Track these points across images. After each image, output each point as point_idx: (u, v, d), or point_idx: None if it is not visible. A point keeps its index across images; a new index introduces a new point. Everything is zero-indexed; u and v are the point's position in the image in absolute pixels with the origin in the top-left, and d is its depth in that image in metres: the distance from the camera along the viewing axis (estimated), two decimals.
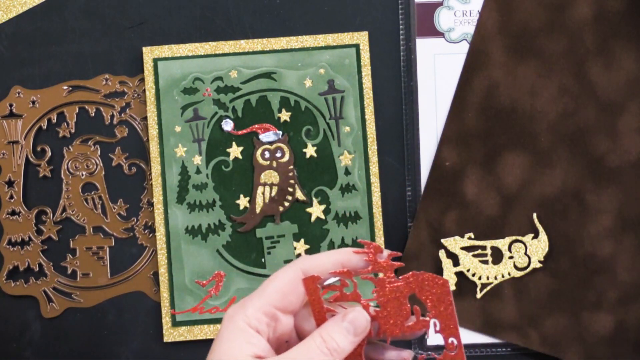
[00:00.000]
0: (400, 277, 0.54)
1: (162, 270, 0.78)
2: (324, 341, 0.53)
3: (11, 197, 0.79)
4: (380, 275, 0.55)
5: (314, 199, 0.79)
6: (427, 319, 0.55)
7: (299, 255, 0.79)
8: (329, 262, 0.55)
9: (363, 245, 0.54)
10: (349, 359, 0.55)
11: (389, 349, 0.57)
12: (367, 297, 0.55)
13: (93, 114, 0.80)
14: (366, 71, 0.79)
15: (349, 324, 0.53)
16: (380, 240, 0.78)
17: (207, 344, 0.79)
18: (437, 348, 0.78)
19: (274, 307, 0.54)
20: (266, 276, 0.78)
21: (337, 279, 0.55)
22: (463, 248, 0.78)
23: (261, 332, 0.53)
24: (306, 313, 0.56)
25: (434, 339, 0.78)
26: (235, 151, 0.79)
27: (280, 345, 0.55)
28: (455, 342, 0.55)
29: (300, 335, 0.56)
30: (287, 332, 0.55)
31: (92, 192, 0.80)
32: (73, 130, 0.80)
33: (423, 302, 0.54)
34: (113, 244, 0.80)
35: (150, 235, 0.79)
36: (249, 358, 0.52)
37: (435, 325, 0.54)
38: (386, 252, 0.55)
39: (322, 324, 0.54)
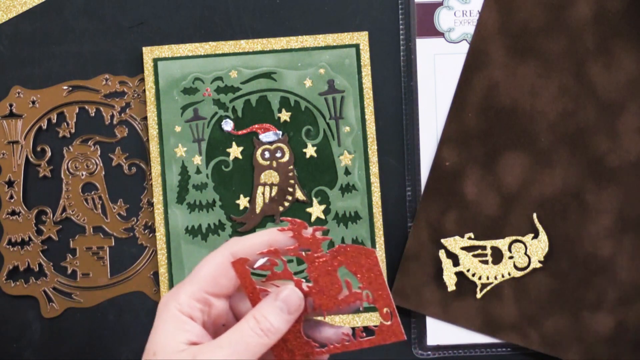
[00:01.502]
0: (327, 251, 0.54)
1: (162, 270, 0.78)
2: (258, 322, 0.52)
3: (11, 197, 0.79)
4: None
5: (314, 199, 0.79)
6: (359, 291, 0.54)
7: None
8: (258, 243, 0.54)
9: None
10: (289, 338, 0.55)
11: (328, 327, 0.56)
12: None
13: (93, 114, 0.80)
14: (366, 71, 0.79)
15: (282, 303, 0.53)
16: (380, 240, 0.78)
17: None
18: (437, 348, 0.78)
19: (205, 293, 0.53)
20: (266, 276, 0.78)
21: (266, 259, 0.55)
22: (463, 248, 0.78)
23: (195, 318, 0.53)
24: (241, 295, 0.56)
25: (433, 338, 0.78)
26: (235, 151, 0.79)
27: (218, 329, 0.55)
28: (390, 311, 0.54)
29: (237, 317, 0.56)
30: (223, 315, 0.55)
31: (92, 192, 0.80)
32: (73, 130, 0.80)
33: (354, 274, 0.54)
34: (113, 244, 0.80)
35: (150, 235, 0.79)
36: (183, 345, 0.52)
37: (368, 297, 0.54)
38: (311, 229, 0.54)
39: (257, 305, 0.54)
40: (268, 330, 0.52)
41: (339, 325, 0.56)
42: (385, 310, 0.54)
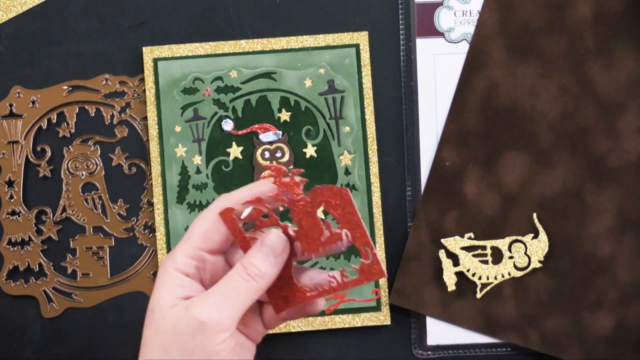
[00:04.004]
0: (306, 194, 0.55)
1: None
2: (245, 268, 0.54)
3: (11, 197, 0.79)
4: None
5: None
6: (339, 231, 0.55)
7: None
8: (244, 195, 0.56)
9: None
10: (281, 284, 0.56)
11: (316, 272, 0.58)
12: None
13: (93, 114, 0.80)
14: (366, 71, 0.79)
15: (267, 247, 0.55)
16: (380, 240, 0.78)
17: None
18: (437, 348, 0.78)
19: (199, 249, 0.56)
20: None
21: (251, 208, 0.56)
22: (463, 248, 0.78)
23: (190, 275, 0.55)
24: (236, 249, 0.57)
25: (433, 338, 0.78)
26: (235, 151, 0.79)
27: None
28: (369, 249, 0.55)
29: None
30: (220, 271, 0.57)
31: (92, 192, 0.80)
32: (73, 130, 0.80)
33: (332, 214, 0.55)
34: (113, 244, 0.80)
35: (150, 235, 0.79)
36: (178, 300, 0.54)
37: (347, 235, 0.55)
38: (290, 174, 0.55)
39: (246, 253, 0.55)
40: (256, 275, 0.54)
41: (328, 271, 0.57)
42: (364, 248, 0.55)
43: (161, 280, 0.55)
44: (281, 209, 0.57)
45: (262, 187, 0.56)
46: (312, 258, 0.56)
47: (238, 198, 0.56)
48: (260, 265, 0.54)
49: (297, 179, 0.55)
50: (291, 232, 0.56)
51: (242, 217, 0.56)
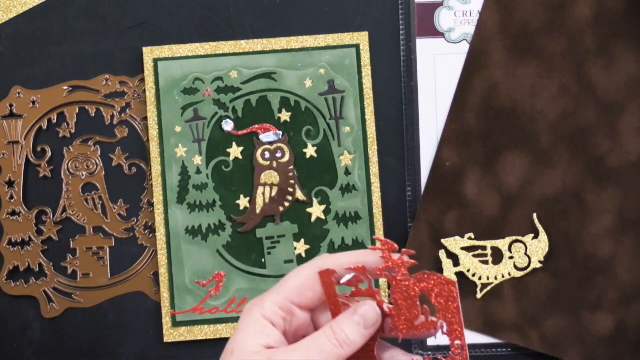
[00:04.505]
0: (412, 276, 0.55)
1: (162, 270, 0.78)
2: (334, 332, 0.54)
3: (11, 197, 0.79)
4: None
5: (314, 199, 0.79)
6: (435, 319, 0.55)
7: (299, 255, 0.79)
8: (347, 260, 0.56)
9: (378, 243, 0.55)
10: (361, 355, 0.55)
11: (400, 352, 0.57)
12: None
13: (93, 114, 0.80)
14: (366, 71, 0.79)
15: (359, 317, 0.54)
16: None
17: (207, 343, 0.79)
18: (437, 348, 0.78)
19: (290, 302, 0.55)
20: (266, 276, 0.78)
21: (352, 274, 0.55)
22: (463, 248, 0.78)
23: (276, 324, 0.55)
24: (324, 310, 0.57)
25: (433, 339, 0.78)
26: (235, 151, 0.79)
27: (297, 339, 0.56)
28: (461, 344, 0.55)
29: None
30: (304, 326, 0.56)
31: (92, 192, 0.80)
32: (73, 130, 0.80)
33: (432, 302, 0.55)
34: (113, 244, 0.80)
35: (150, 235, 0.79)
36: (260, 347, 0.53)
37: (442, 326, 0.55)
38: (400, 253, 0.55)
39: (336, 317, 0.55)
40: (343, 342, 0.54)
41: (410, 353, 0.57)
42: (456, 342, 0.55)
43: (246, 324, 0.55)
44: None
45: (367, 256, 0.56)
46: (399, 338, 0.56)
47: (340, 262, 0.56)
48: (349, 333, 0.54)
49: (406, 258, 0.55)
50: (385, 308, 0.55)
51: (342, 281, 0.56)
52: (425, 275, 0.54)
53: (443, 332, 0.55)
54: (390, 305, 0.55)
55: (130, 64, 0.80)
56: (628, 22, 0.78)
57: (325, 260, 0.56)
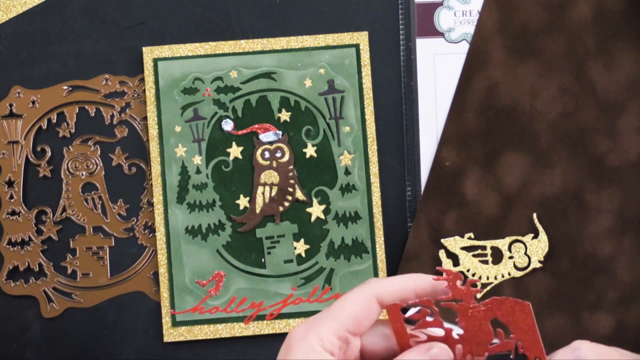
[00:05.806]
0: (481, 303, 0.54)
1: (162, 270, 0.78)
2: None
3: (11, 197, 0.79)
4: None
5: (314, 199, 0.79)
6: (511, 340, 0.54)
7: (299, 255, 0.79)
8: (400, 287, 0.55)
9: (441, 273, 0.54)
10: None
11: None
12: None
13: (93, 114, 0.80)
14: (366, 71, 0.79)
15: (431, 358, 0.54)
16: (380, 240, 0.78)
17: (207, 344, 0.79)
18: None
19: (347, 332, 0.54)
20: (266, 276, 0.78)
21: (418, 308, 0.55)
22: (463, 248, 0.78)
23: (334, 354, 0.54)
24: (370, 333, 0.57)
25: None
26: (235, 151, 0.79)
27: None
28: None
29: (362, 355, 0.56)
30: (355, 353, 0.56)
31: (92, 192, 0.80)
32: (73, 130, 0.80)
33: (506, 325, 0.54)
34: (113, 244, 0.80)
35: (150, 235, 0.79)
36: None
37: (519, 346, 0.54)
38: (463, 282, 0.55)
39: (405, 352, 0.54)
40: None
41: None
42: (535, 358, 0.55)
43: (305, 354, 0.53)
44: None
45: (418, 281, 0.55)
46: None
47: (396, 290, 0.55)
48: None
49: (472, 288, 0.54)
50: (455, 336, 0.55)
51: (408, 315, 0.55)
52: (496, 302, 0.53)
53: (520, 352, 0.55)
54: (460, 332, 0.55)
55: (130, 64, 0.80)
56: (628, 22, 0.78)
57: (377, 287, 0.55)
